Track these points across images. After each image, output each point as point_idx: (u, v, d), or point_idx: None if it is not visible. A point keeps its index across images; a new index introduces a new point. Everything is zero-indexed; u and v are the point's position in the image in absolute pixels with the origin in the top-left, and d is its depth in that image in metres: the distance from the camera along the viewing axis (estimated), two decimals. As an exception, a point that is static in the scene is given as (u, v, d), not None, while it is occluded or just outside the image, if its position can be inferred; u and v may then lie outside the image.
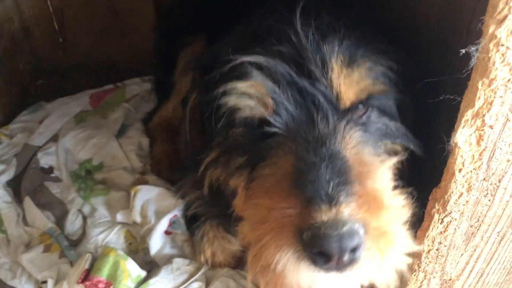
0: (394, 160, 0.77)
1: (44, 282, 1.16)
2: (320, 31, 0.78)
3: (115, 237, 1.26)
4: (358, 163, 0.73)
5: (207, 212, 1.16)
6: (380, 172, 0.73)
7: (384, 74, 0.80)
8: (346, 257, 0.63)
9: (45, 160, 1.51)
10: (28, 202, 1.36)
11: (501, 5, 0.52)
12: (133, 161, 1.49)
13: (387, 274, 0.70)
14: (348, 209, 0.65)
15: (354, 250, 0.63)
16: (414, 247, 0.72)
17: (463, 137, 0.65)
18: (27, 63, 1.86)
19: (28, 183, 1.43)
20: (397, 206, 0.71)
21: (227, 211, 0.94)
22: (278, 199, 0.69)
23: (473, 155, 0.67)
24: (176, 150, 1.47)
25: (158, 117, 1.54)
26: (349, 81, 0.77)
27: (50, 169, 1.50)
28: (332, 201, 0.65)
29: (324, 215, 0.64)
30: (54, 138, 1.58)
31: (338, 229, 0.62)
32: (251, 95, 0.78)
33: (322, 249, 0.63)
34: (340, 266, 0.64)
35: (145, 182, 1.36)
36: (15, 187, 1.44)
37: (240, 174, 0.83)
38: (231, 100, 0.79)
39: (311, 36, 0.77)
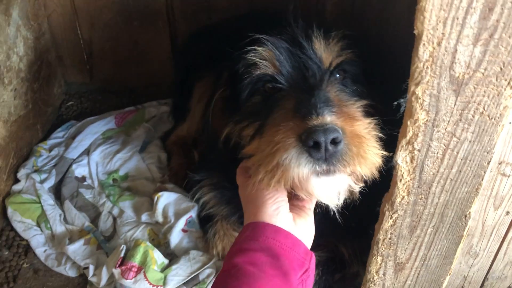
0: (363, 102, 1.09)
1: (86, 268, 1.44)
2: (306, 24, 1.15)
3: (140, 234, 1.54)
4: (338, 100, 1.05)
5: (219, 213, 1.44)
6: (353, 105, 1.06)
7: (351, 45, 1.17)
8: (331, 147, 0.90)
9: (78, 170, 1.78)
10: (67, 204, 1.64)
11: (416, 74, 0.82)
12: (153, 172, 1.78)
13: (366, 167, 0.96)
14: (329, 117, 0.95)
15: (336, 143, 0.90)
16: (382, 150, 0.98)
17: (401, 157, 0.94)
18: (59, 87, 2.15)
19: (66, 190, 1.71)
20: (366, 121, 1.00)
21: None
22: (284, 123, 0.98)
23: (409, 170, 0.96)
24: (190, 163, 1.77)
25: (175, 135, 1.82)
26: (327, 50, 1.12)
27: (83, 178, 1.78)
28: (319, 114, 0.95)
29: (314, 121, 0.93)
30: (86, 152, 1.85)
31: (323, 126, 0.91)
32: (265, 56, 1.11)
33: (314, 139, 0.89)
34: (328, 156, 0.91)
35: (165, 190, 1.63)
36: (55, 192, 1.72)
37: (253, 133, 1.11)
38: (253, 57, 1.12)
39: (300, 24, 1.15)
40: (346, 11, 1.84)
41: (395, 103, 0.89)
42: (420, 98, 0.85)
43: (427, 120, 0.88)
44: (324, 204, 1.04)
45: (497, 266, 1.41)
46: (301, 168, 0.93)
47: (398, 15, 1.47)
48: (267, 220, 0.98)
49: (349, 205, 1.09)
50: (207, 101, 1.59)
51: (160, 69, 2.17)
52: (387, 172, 1.03)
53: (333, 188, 0.99)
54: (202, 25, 1.98)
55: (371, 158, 0.97)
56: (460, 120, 0.88)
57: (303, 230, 1.01)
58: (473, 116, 0.87)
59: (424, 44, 0.78)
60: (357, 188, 1.02)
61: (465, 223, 1.06)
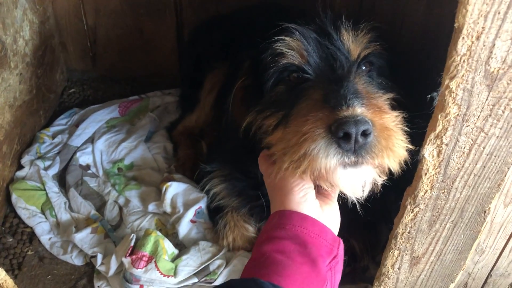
0: (389, 95, 1.09)
1: (94, 256, 1.42)
2: (334, 14, 1.15)
3: (147, 224, 1.52)
4: (366, 92, 1.05)
5: (229, 204, 1.43)
6: (380, 97, 1.06)
7: (378, 38, 1.16)
8: (361, 139, 0.90)
9: (83, 158, 1.75)
10: (73, 192, 1.61)
11: (452, 68, 0.82)
12: (159, 163, 1.76)
13: (393, 159, 0.96)
14: (360, 109, 0.94)
15: (366, 135, 0.90)
16: (408, 144, 0.98)
17: (428, 151, 0.95)
18: (61, 74, 2.11)
19: (71, 178, 1.68)
20: (394, 114, 1.01)
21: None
22: (312, 114, 0.97)
23: (435, 164, 0.97)
24: (197, 154, 1.75)
25: (182, 126, 1.81)
26: (355, 41, 1.11)
27: (88, 166, 1.75)
28: (349, 105, 0.94)
29: (345, 112, 0.93)
30: (90, 140, 1.83)
31: (354, 117, 0.91)
32: (292, 46, 1.10)
33: (344, 130, 0.89)
34: (357, 148, 0.91)
35: (173, 180, 1.61)
36: (60, 180, 1.69)
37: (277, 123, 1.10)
38: (280, 47, 1.11)
39: (329, 15, 1.14)
40: (354, 7, 1.84)
41: (428, 96, 0.89)
42: (453, 92, 0.85)
43: (457, 114, 0.88)
44: (348, 196, 1.04)
45: (501, 263, 1.43)
46: (329, 159, 0.93)
47: (413, 11, 1.47)
48: (294, 208, 0.97)
49: (369, 198, 1.09)
50: (218, 92, 1.58)
51: (165, 59, 2.15)
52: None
53: (359, 180, 0.99)
54: (210, 16, 1.96)
55: (398, 151, 0.97)
56: (490, 115, 0.89)
57: (330, 216, 1.01)
58: (503, 112, 0.88)
59: (463, 37, 0.78)
60: (380, 180, 1.03)
61: (484, 219, 1.07)
